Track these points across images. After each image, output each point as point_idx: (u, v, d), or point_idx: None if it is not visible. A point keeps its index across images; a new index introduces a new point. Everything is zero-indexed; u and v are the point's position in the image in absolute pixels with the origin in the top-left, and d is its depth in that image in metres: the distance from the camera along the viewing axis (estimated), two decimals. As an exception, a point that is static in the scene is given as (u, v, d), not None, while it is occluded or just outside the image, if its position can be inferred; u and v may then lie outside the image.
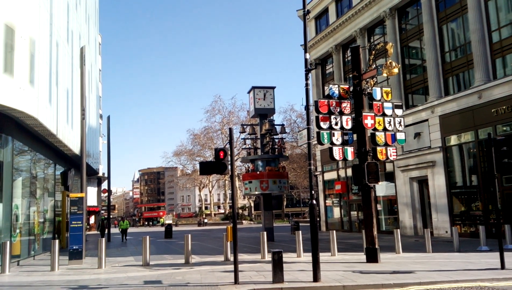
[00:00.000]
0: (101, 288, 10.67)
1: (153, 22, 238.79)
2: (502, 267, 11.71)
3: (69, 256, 16.03)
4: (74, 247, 16.01)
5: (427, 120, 25.88)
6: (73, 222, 16.19)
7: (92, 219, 57.31)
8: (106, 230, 32.26)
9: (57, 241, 14.76)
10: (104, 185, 55.73)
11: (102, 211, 56.22)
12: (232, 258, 11.38)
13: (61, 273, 13.86)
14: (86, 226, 29.55)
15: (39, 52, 16.48)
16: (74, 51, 24.46)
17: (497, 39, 22.51)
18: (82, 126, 18.85)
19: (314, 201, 11.24)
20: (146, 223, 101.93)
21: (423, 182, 26.93)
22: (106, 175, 40.64)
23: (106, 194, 42.53)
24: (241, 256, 16.06)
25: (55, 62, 19.56)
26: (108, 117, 34.72)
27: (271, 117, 27.77)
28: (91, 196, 46.78)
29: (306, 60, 12.07)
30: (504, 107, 21.11)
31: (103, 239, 15.28)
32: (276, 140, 27.08)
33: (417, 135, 26.48)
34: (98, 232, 35.04)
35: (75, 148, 23.69)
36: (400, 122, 15.15)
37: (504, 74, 21.88)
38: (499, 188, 20.80)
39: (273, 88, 27.42)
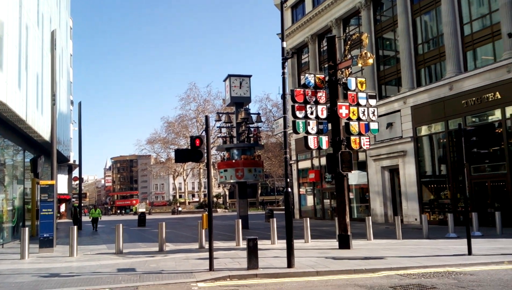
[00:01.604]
0: (73, 276, 10.53)
1: (127, 7, 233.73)
2: (469, 253, 12.14)
3: (39, 244, 15.72)
4: (44, 235, 15.72)
5: (399, 110, 26.37)
6: (43, 210, 15.88)
7: (62, 207, 56.26)
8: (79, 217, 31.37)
9: (26, 229, 14.43)
10: (75, 173, 54.66)
11: (73, 199, 55.27)
12: (207, 246, 11.41)
13: (32, 261, 13.60)
14: (57, 214, 28.97)
15: (8, 35, 15.90)
16: (45, 35, 23.72)
17: (469, 32, 23.04)
18: (53, 112, 18.34)
19: (289, 189, 11.36)
20: (119, 211, 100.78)
21: (394, 171, 27.52)
22: (77, 162, 39.88)
23: (77, 181, 41.77)
24: (216, 244, 16.10)
25: (24, 46, 18.92)
26: (80, 103, 33.94)
27: (247, 106, 27.75)
28: (62, 184, 45.84)
29: (283, 48, 12.07)
30: (473, 98, 21.70)
31: (75, 227, 15.04)
32: (252, 129, 27.11)
33: (389, 125, 26.97)
34: (69, 220, 33.74)
35: (45, 135, 23.10)
36: (373, 112, 15.39)
37: (474, 67, 22.45)
38: (467, 178, 21.47)
39: (249, 76, 27.34)
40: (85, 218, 42.41)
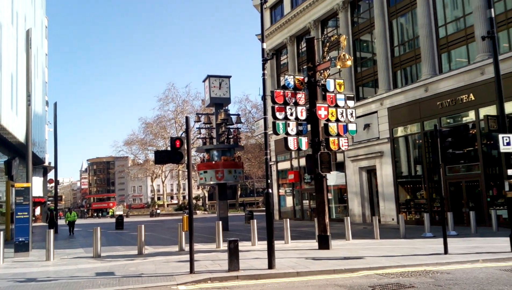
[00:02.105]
0: (51, 281, 10.32)
1: (104, 6, 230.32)
2: (446, 252, 12.40)
3: (15, 248, 15.36)
4: (20, 239, 15.36)
5: (376, 112, 26.76)
6: (18, 213, 15.50)
7: (37, 210, 55.00)
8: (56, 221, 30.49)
9: (1, 232, 14.07)
10: (51, 175, 53.61)
11: (48, 202, 54.11)
12: (187, 248, 11.35)
13: (7, 266, 13.26)
14: (32, 218, 28.29)
15: (-20, 34, 15.49)
16: (19, 33, 23.18)
17: (444, 34, 23.56)
18: (28, 112, 17.97)
19: (270, 190, 11.39)
20: (95, 214, 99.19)
21: (371, 172, 27.90)
22: (52, 164, 39.07)
23: (53, 184, 40.91)
24: (196, 246, 15.99)
25: (-3, 45, 18.46)
26: (55, 104, 33.24)
27: (227, 107, 27.70)
28: (37, 187, 44.83)
29: (263, 49, 12.12)
30: (448, 100, 22.20)
31: (51, 230, 14.75)
32: (232, 130, 27.08)
33: (367, 126, 27.33)
34: (45, 224, 32.49)
35: (20, 136, 22.58)
36: (352, 114, 15.58)
37: (449, 69, 22.97)
38: (443, 178, 21.91)
39: (228, 77, 27.31)
40: (61, 221, 41.53)
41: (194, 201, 79.77)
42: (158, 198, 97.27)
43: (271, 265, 10.80)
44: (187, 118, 11.21)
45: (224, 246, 15.25)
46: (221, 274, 10.30)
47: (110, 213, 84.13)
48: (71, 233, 28.65)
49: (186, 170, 11.27)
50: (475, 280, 9.03)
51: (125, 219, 44.02)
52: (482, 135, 20.81)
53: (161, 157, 11.20)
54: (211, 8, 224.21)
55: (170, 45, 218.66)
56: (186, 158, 10.85)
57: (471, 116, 21.45)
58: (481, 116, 20.77)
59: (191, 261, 10.54)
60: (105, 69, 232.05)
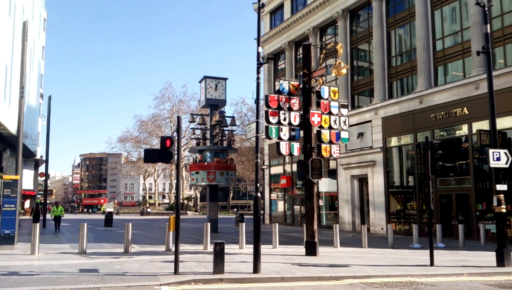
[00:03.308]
0: (33, 275, 10.22)
1: (104, 4, 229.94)
2: (432, 263, 12.42)
3: (-1, 241, 15.21)
4: (5, 232, 15.22)
5: (370, 121, 26.84)
6: (5, 205, 15.38)
7: (27, 204, 54.57)
8: (42, 215, 29.97)
9: (-14, 225, 13.93)
10: (42, 169, 53.19)
11: (39, 196, 53.72)
12: (173, 249, 11.26)
13: (-10, 258, 13.12)
14: (21, 211, 28.01)
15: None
16: (16, 24, 23.04)
17: (440, 47, 23.69)
18: (21, 104, 17.82)
19: (259, 194, 11.36)
20: (86, 210, 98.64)
21: (363, 180, 27.95)
22: (44, 158, 38.80)
23: (44, 178, 40.61)
24: (183, 247, 15.96)
25: (-7, 35, 18.35)
26: (49, 97, 33.13)
27: (222, 109, 27.68)
28: (27, 179, 44.45)
29: (258, 53, 12.11)
30: (442, 113, 22.30)
31: (37, 224, 14.62)
32: (226, 132, 27.06)
33: (360, 135, 27.40)
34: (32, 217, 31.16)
35: (12, 128, 22.40)
36: (345, 122, 15.61)
37: (444, 82, 23.09)
38: (433, 190, 21.99)
39: (225, 79, 27.30)
40: (49, 216, 41.01)
41: (185, 202, 79.64)
42: (150, 197, 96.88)
43: (256, 269, 10.76)
44: (178, 118, 11.16)
45: (211, 248, 15.17)
46: (206, 276, 10.25)
47: (102, 210, 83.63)
48: (57, 228, 27.76)
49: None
50: (458, 293, 9.03)
51: (115, 217, 43.78)
52: (474, 149, 20.92)
53: (151, 156, 11.14)
54: (211, 10, 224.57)
55: (168, 44, 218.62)
56: (176, 157, 10.79)
57: (464, 129, 21.56)
58: (474, 130, 20.87)
59: (176, 261, 10.47)
60: (102, 65, 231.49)
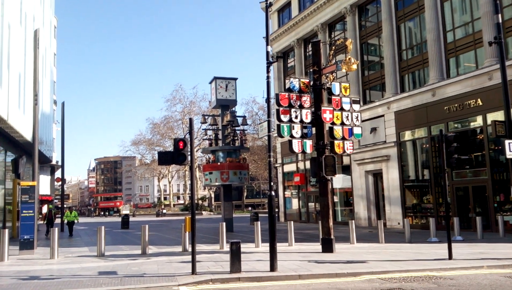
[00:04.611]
0: (53, 279, 10.39)
1: (113, 7, 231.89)
2: (450, 257, 12.30)
3: (19, 246, 15.48)
4: (25, 237, 15.49)
5: (383, 115, 26.65)
6: (24, 211, 15.65)
7: (44, 208, 55.33)
8: (56, 220, 28.06)
9: (6, 230, 14.19)
10: (58, 174, 53.91)
11: (56, 201, 54.45)
12: (190, 249, 11.35)
13: (11, 263, 13.37)
14: (38, 216, 28.28)
15: (-11, 33, 15.65)
16: (28, 33, 23.39)
17: (452, 39, 23.42)
18: (35, 112, 18.10)
19: (273, 193, 11.38)
20: (102, 213, 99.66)
21: (377, 175, 27.78)
22: (59, 163, 39.32)
23: (60, 182, 41.14)
24: (200, 247, 16.07)
25: (6, 44, 18.63)
26: (63, 103, 33.55)
27: (233, 109, 27.75)
28: (44, 185, 45.10)
29: (267, 52, 12.13)
30: (456, 105, 22.05)
31: (56, 229, 14.86)
32: (238, 132, 27.12)
33: (373, 130, 27.23)
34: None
35: (27, 135, 22.75)
36: (357, 117, 15.53)
37: (457, 73, 22.82)
38: (449, 183, 21.78)
39: (235, 79, 27.35)
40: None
41: (200, 202, 79.93)
42: (165, 198, 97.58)
43: (273, 267, 10.78)
44: (190, 120, 11.22)
45: (227, 247, 15.22)
46: (223, 275, 10.30)
47: (120, 211, 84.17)
48: (70, 233, 26.37)
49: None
50: (478, 286, 8.95)
51: (131, 219, 44.21)
52: (490, 140, 20.65)
53: (164, 158, 11.22)
54: (219, 10, 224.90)
55: (178, 46, 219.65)
56: (189, 159, 10.87)
57: (478, 121, 21.29)
58: (489, 122, 20.60)
59: (193, 262, 10.54)
60: (114, 69, 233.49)
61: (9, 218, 23.67)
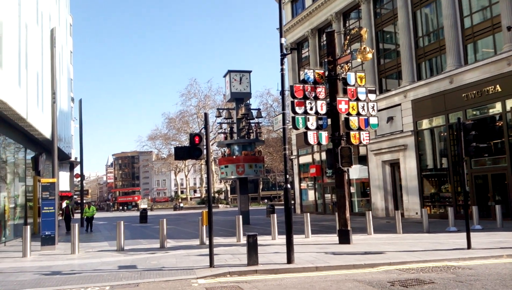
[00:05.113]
0: (75, 274, 10.61)
1: (127, 3, 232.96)
2: (469, 247, 12.17)
3: (41, 242, 15.83)
4: (46, 233, 15.82)
5: (399, 104, 26.33)
6: (44, 208, 15.97)
7: (64, 204, 56.32)
8: (73, 216, 27.62)
9: (28, 227, 14.51)
10: (77, 170, 54.78)
11: (75, 197, 55.39)
12: (207, 242, 11.45)
13: (33, 259, 13.69)
14: (59, 212, 28.73)
15: (7, 34, 15.91)
16: (44, 32, 23.71)
17: (469, 24, 22.94)
18: (53, 109, 18.38)
19: (289, 185, 11.37)
20: (121, 207, 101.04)
21: (395, 165, 27.52)
22: (78, 159, 39.97)
23: (79, 178, 41.80)
24: (217, 240, 16.20)
25: (24, 44, 18.92)
26: (80, 100, 33.99)
27: (248, 101, 27.73)
28: (64, 181, 45.93)
29: (281, 44, 12.06)
30: (474, 92, 21.65)
31: (76, 224, 15.13)
32: (253, 125, 27.13)
33: (390, 119, 26.93)
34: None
35: (46, 132, 23.14)
36: (373, 107, 15.37)
37: (475, 60, 22.38)
38: (468, 171, 21.46)
39: (249, 72, 27.30)
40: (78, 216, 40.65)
41: (216, 195, 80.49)
42: (182, 192, 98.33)
43: (290, 259, 10.81)
44: (205, 114, 11.27)
45: (244, 240, 15.31)
46: (240, 268, 10.38)
47: (138, 204, 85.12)
48: (89, 229, 26.00)
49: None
50: (497, 276, 8.83)
51: (149, 213, 44.71)
52: (509, 127, 20.26)
53: (181, 153, 11.30)
54: (233, 2, 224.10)
55: (193, 40, 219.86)
56: (205, 153, 10.92)
57: (497, 107, 20.89)
58: (508, 108, 20.23)
59: (211, 255, 10.65)
60: (129, 65, 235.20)
61: (30, 215, 24.19)
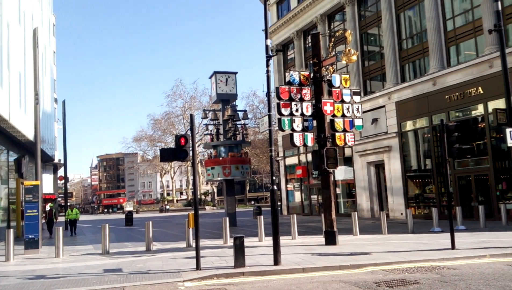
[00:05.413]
0: (59, 278, 10.45)
1: (111, 3, 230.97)
2: (453, 247, 12.33)
3: (24, 245, 15.57)
4: (30, 236, 15.57)
5: (384, 106, 26.60)
6: (28, 211, 15.72)
7: (48, 207, 55.52)
8: (56, 220, 26.87)
9: (11, 230, 14.26)
10: (61, 172, 54.09)
11: (59, 199, 54.65)
12: (194, 244, 11.40)
13: (17, 263, 13.46)
14: (42, 215, 28.31)
15: (-12, 34, 15.65)
16: (27, 32, 23.38)
17: (452, 27, 23.30)
18: (36, 111, 18.12)
19: (275, 187, 11.39)
20: (106, 210, 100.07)
21: (379, 166, 27.78)
22: (62, 161, 39.45)
23: (63, 181, 41.25)
24: (204, 242, 16.13)
25: (6, 44, 18.64)
26: (64, 102, 33.61)
27: (234, 103, 27.73)
28: (47, 184, 45.27)
29: (266, 46, 12.08)
30: (456, 93, 21.99)
31: (60, 227, 14.92)
32: (239, 126, 27.12)
33: (375, 121, 27.19)
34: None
35: (29, 134, 22.81)
36: (358, 109, 15.50)
37: (457, 62, 22.73)
38: (451, 172, 21.77)
39: (235, 73, 27.30)
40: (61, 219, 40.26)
41: (202, 197, 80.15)
42: (168, 194, 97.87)
43: (276, 261, 10.83)
44: (191, 116, 11.22)
45: (231, 242, 15.29)
46: (227, 270, 10.35)
47: (124, 207, 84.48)
48: (73, 232, 25.55)
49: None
50: (481, 275, 8.97)
51: (135, 215, 44.40)
52: (491, 128, 20.61)
53: (166, 155, 11.23)
54: (218, 4, 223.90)
55: (177, 41, 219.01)
56: (191, 155, 10.88)
57: (480, 109, 21.24)
58: (490, 110, 20.55)
59: (197, 257, 10.60)
60: (114, 66, 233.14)
61: (13, 218, 23.80)
